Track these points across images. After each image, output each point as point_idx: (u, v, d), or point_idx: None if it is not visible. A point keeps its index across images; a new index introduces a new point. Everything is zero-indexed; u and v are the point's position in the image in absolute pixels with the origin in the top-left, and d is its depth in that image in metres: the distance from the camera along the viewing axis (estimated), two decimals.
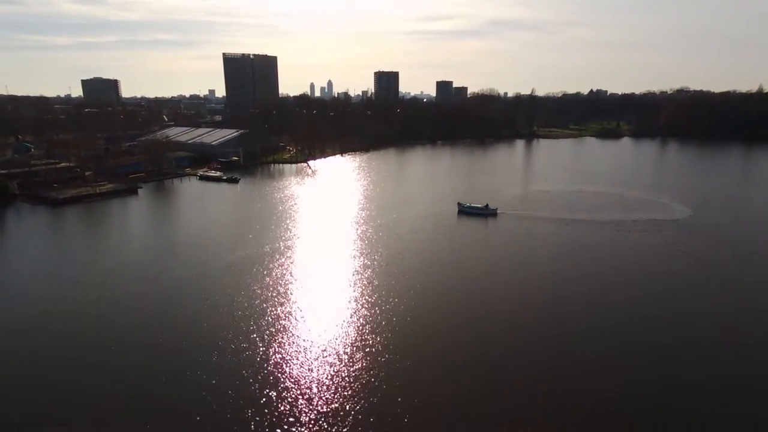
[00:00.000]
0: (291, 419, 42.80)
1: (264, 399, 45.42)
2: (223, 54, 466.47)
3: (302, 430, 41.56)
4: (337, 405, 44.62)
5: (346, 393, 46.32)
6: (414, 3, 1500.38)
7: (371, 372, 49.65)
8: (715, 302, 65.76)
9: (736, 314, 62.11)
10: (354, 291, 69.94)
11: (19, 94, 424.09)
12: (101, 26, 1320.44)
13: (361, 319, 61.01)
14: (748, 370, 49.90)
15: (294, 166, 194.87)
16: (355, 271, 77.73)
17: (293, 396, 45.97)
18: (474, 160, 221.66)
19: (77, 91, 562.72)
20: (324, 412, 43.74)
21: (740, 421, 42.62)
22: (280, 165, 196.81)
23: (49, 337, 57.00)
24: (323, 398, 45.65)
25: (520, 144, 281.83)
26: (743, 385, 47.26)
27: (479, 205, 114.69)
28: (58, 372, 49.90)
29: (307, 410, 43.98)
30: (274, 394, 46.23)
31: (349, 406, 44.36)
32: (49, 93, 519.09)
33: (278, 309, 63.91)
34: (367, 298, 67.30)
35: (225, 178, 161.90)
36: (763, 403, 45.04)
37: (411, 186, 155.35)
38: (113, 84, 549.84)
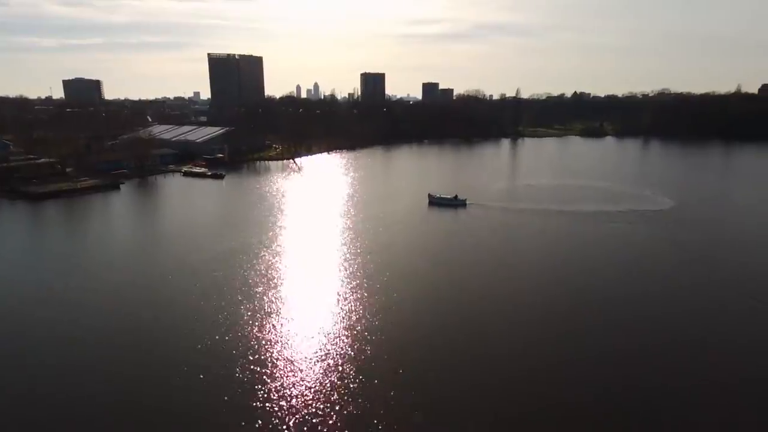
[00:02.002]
0: (279, 397, 42.08)
1: (255, 381, 44.67)
2: (208, 54, 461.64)
3: (291, 410, 40.86)
4: (326, 389, 44.06)
5: (334, 378, 45.81)
6: (401, 7, 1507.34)
7: (358, 357, 49.24)
8: (704, 293, 66.29)
9: (724, 306, 62.59)
10: (336, 279, 69.47)
11: None
12: (86, 28, 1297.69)
13: (342, 305, 60.57)
14: (744, 365, 48.35)
15: (280, 162, 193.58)
16: (336, 260, 77.34)
17: (283, 376, 45.30)
18: (460, 158, 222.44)
19: (58, 93, 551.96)
20: (314, 390, 43.15)
21: (737, 418, 42.58)
22: (266, 162, 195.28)
23: (32, 331, 55.35)
24: (312, 378, 45.04)
25: (505, 143, 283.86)
26: (739, 382, 45.86)
27: (449, 196, 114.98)
28: (43, 368, 48.48)
29: (296, 390, 43.31)
30: (265, 375, 45.49)
31: (338, 390, 43.86)
32: (32, 94, 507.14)
33: (266, 296, 63.07)
34: (348, 285, 66.94)
35: (210, 174, 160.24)
36: (759, 399, 43.56)
37: (394, 182, 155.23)
38: (95, 84, 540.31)
